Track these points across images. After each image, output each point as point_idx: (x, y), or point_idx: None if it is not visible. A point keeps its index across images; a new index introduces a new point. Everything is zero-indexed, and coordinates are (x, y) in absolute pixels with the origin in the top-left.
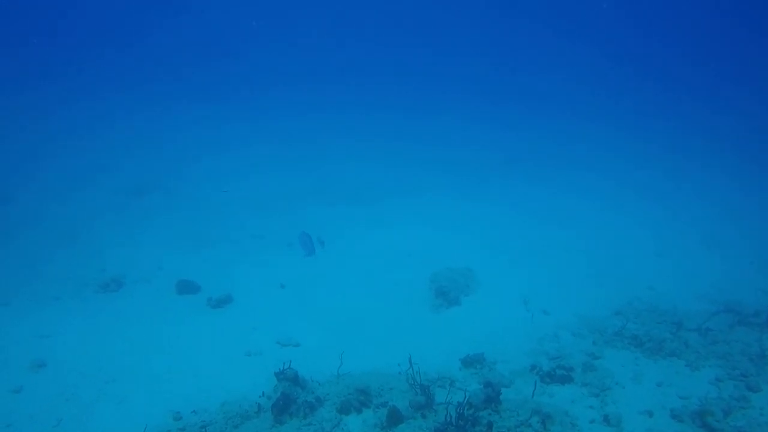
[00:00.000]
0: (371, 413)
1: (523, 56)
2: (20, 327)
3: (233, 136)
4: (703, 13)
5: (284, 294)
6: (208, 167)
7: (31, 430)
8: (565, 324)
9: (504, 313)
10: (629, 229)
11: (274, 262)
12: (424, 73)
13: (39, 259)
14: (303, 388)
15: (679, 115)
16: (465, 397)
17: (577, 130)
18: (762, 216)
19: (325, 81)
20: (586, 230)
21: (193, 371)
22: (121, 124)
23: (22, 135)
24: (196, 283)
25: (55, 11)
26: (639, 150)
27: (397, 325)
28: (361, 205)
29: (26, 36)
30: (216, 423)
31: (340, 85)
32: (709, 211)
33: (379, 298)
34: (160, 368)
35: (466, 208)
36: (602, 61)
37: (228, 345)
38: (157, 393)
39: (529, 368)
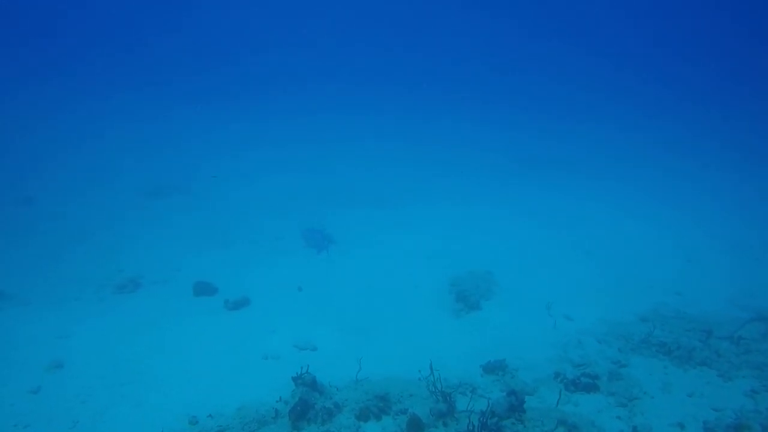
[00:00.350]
0: (391, 420)
1: (545, 62)
2: (40, 327)
3: (252, 137)
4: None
5: (301, 297)
6: (227, 168)
7: None
8: (589, 330)
9: (525, 318)
10: (651, 234)
11: (291, 264)
12: (443, 77)
13: (59, 259)
14: (321, 394)
15: (695, 120)
16: (488, 405)
17: (597, 134)
18: None
19: (344, 82)
20: (608, 235)
21: (209, 374)
22: (139, 125)
23: (41, 136)
24: (213, 285)
25: (75, 11)
26: (657, 155)
27: (417, 329)
28: (381, 207)
29: (45, 35)
30: (232, 428)
31: (360, 86)
32: (730, 215)
33: (399, 301)
34: (176, 371)
35: (486, 211)
36: (618, 65)
37: (245, 348)
38: (173, 396)
39: (552, 376)
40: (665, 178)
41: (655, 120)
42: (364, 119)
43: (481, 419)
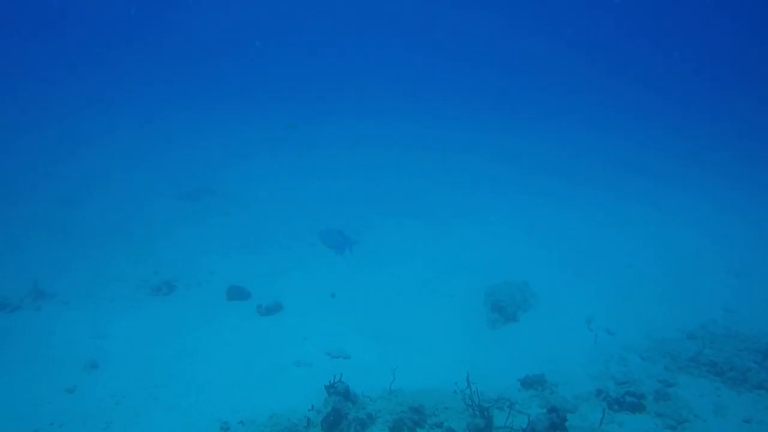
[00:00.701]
0: None
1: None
2: (77, 326)
3: (283, 142)
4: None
5: (335, 303)
6: (263, 173)
7: None
8: (632, 346)
9: (564, 331)
10: (702, 244)
11: (324, 271)
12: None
13: (96, 260)
14: (354, 404)
15: (747, 117)
16: (528, 422)
17: (645, 134)
18: None
19: (377, 89)
20: (653, 244)
21: (241, 380)
22: (174, 127)
23: (79, 137)
24: (246, 290)
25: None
26: (714, 159)
27: (452, 340)
28: (414, 215)
29: (89, 37)
30: None
31: (392, 92)
32: None
33: (433, 311)
34: (208, 375)
35: (522, 221)
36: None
37: (277, 354)
38: (205, 401)
39: (594, 393)
40: (714, 181)
41: (714, 123)
42: (394, 127)
43: None
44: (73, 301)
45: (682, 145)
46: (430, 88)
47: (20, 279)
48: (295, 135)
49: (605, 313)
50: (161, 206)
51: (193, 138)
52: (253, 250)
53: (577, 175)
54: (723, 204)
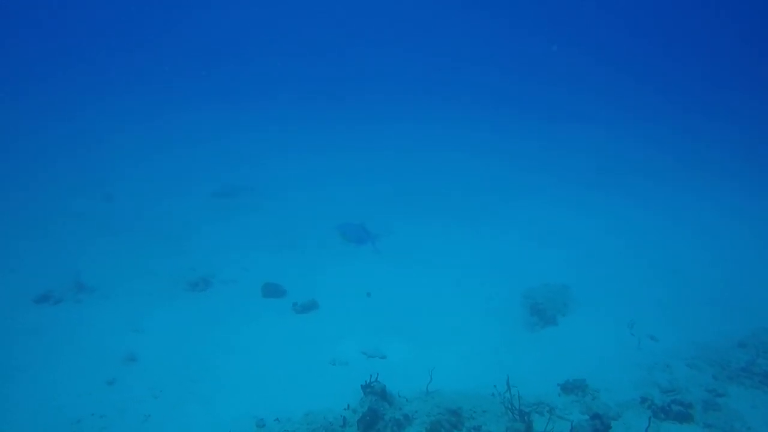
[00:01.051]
0: None
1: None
2: (116, 320)
3: (319, 142)
4: None
5: (370, 302)
6: (299, 171)
7: (121, 424)
8: (677, 353)
9: (606, 336)
10: (753, 248)
11: (360, 269)
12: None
13: (135, 255)
14: (390, 404)
15: None
16: (570, 429)
17: (696, 134)
18: None
19: (417, 92)
20: (699, 248)
21: (277, 377)
22: (212, 124)
23: (119, 136)
24: (281, 287)
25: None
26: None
27: (489, 342)
28: (450, 215)
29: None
30: None
31: (435, 96)
32: None
33: (469, 312)
34: (244, 371)
35: (561, 222)
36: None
37: (313, 352)
38: (241, 397)
39: (638, 400)
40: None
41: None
42: (427, 129)
43: None
44: (113, 295)
45: (738, 144)
46: (463, 91)
47: (63, 273)
48: (329, 136)
49: (648, 319)
50: (199, 203)
51: (231, 135)
52: (288, 247)
53: (618, 178)
54: None
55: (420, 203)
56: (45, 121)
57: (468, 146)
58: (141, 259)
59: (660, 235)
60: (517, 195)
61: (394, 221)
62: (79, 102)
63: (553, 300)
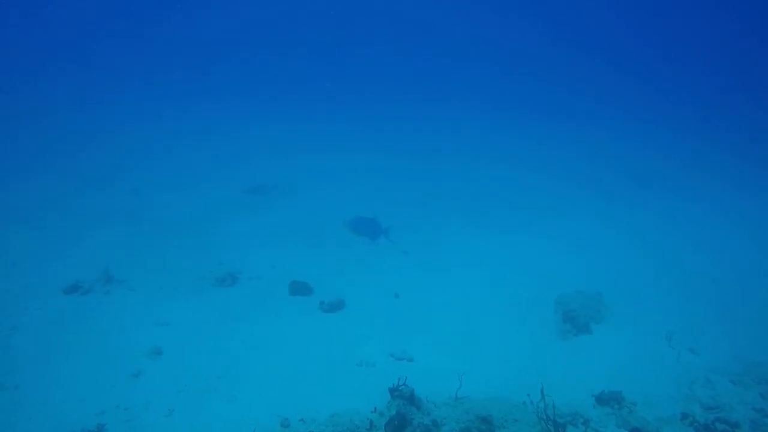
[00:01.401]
0: None
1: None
2: (143, 313)
3: (348, 141)
4: None
5: (399, 304)
6: (328, 170)
7: (145, 417)
8: (719, 368)
9: (642, 347)
10: None
11: (388, 269)
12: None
13: (162, 248)
14: (418, 409)
15: None
16: None
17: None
18: None
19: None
20: (740, 260)
21: (302, 376)
22: (242, 122)
23: (148, 130)
24: (308, 285)
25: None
26: None
27: (520, 348)
28: (480, 218)
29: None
30: None
31: (468, 103)
32: None
33: (499, 317)
34: (269, 369)
35: (595, 227)
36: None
37: (339, 352)
38: (265, 395)
39: (679, 416)
40: None
41: None
42: (459, 133)
43: None
44: (140, 288)
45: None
46: (502, 98)
47: (92, 264)
48: (362, 136)
49: (688, 331)
50: (227, 199)
51: (261, 133)
52: (316, 245)
53: (653, 182)
54: None
55: (450, 207)
56: (74, 114)
57: (499, 153)
58: (168, 253)
59: (699, 243)
60: (547, 203)
61: (423, 223)
62: (110, 93)
63: (586, 307)
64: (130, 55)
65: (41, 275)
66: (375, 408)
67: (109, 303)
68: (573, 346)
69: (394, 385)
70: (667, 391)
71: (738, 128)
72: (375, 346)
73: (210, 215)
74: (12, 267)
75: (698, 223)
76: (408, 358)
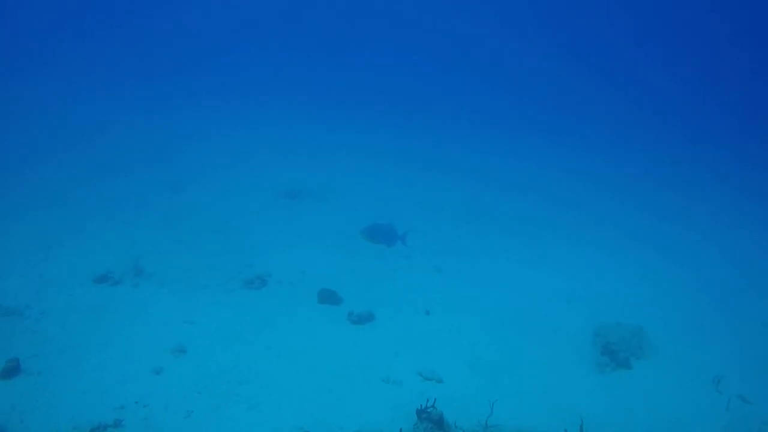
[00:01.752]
0: None
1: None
2: (170, 309)
3: (391, 150)
4: None
5: (429, 321)
6: (364, 178)
7: (163, 417)
8: None
9: (686, 389)
10: None
11: (420, 285)
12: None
13: (195, 246)
14: None
15: None
16: None
17: None
18: None
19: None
20: None
21: (326, 389)
22: (280, 126)
23: (190, 130)
24: (338, 294)
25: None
26: None
27: (554, 378)
28: (517, 237)
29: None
30: None
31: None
32: None
33: (534, 344)
34: (293, 378)
35: (640, 256)
36: None
37: (366, 367)
38: (287, 405)
39: None
40: None
41: None
42: (496, 149)
43: None
44: (169, 284)
45: None
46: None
47: (124, 255)
48: (399, 145)
49: (737, 377)
50: (261, 202)
51: (299, 138)
52: (348, 255)
53: (703, 220)
54: None
55: (489, 227)
56: (129, 114)
57: (539, 167)
58: (199, 251)
59: (748, 282)
60: (587, 223)
61: (460, 241)
62: (166, 97)
63: (626, 341)
64: (187, 47)
65: (73, 262)
66: (401, 429)
67: (137, 295)
68: (611, 381)
69: (421, 406)
70: None
71: None
72: (403, 364)
73: (243, 215)
74: (46, 251)
75: (755, 262)
76: (437, 378)
